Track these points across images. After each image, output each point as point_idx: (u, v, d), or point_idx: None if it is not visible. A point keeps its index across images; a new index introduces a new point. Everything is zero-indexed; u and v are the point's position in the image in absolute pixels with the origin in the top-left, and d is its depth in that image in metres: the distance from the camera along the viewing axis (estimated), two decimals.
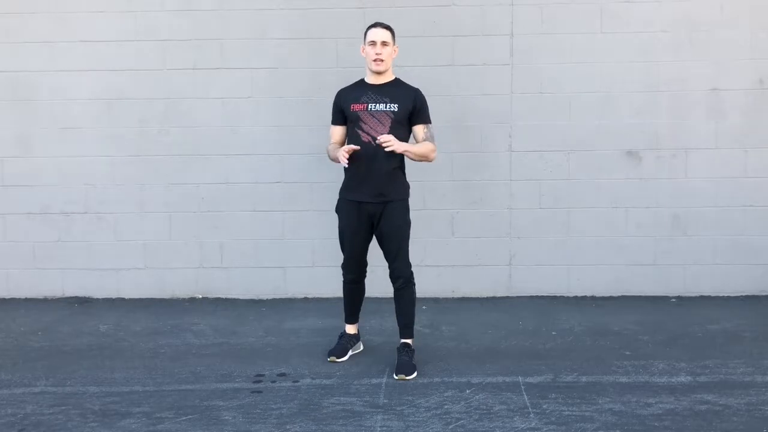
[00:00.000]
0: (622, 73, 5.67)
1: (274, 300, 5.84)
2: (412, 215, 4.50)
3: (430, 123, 4.46)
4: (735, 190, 5.72)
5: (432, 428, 3.65)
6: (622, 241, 5.78)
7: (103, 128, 5.79)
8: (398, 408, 3.88)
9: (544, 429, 3.63)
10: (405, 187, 4.46)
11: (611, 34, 5.66)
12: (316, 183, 5.70)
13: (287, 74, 5.73)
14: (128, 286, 5.88)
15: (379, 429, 3.65)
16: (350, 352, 4.63)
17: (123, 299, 5.87)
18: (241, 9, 5.70)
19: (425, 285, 5.66)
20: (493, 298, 5.81)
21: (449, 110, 5.65)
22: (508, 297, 5.83)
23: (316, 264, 5.82)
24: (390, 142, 4.17)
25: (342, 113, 4.43)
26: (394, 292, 4.46)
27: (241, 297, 5.87)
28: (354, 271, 4.55)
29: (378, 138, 4.20)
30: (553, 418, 3.74)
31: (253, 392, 4.11)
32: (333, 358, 4.52)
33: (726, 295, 5.78)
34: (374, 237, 4.49)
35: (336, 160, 4.37)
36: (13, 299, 5.88)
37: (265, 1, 5.68)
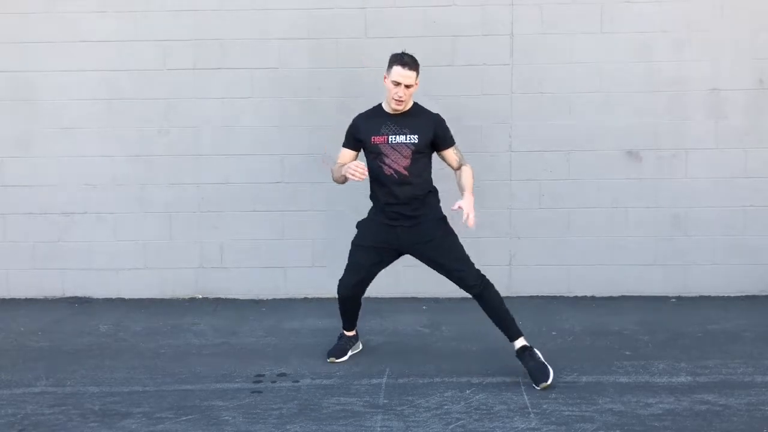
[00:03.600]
0: (622, 73, 5.67)
1: (274, 300, 5.84)
2: None
3: (455, 143, 4.40)
4: (735, 190, 5.72)
5: (432, 428, 3.65)
6: (622, 241, 5.78)
7: (103, 128, 5.79)
8: (398, 408, 3.88)
9: (544, 429, 3.63)
10: (437, 205, 4.39)
11: (611, 34, 5.65)
12: (316, 183, 5.70)
13: (287, 74, 5.73)
14: (128, 286, 5.88)
15: (379, 429, 3.65)
16: (350, 353, 4.62)
17: (123, 299, 5.87)
18: (242, 9, 5.70)
19: (425, 285, 5.66)
20: None
21: (449, 110, 5.60)
22: (508, 297, 5.75)
23: (316, 264, 5.82)
24: (469, 218, 4.10)
25: (359, 142, 4.34)
26: (476, 300, 4.26)
27: (241, 297, 5.87)
28: (353, 290, 4.42)
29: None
30: (553, 418, 3.74)
31: (253, 392, 4.10)
32: (332, 359, 4.52)
33: (726, 295, 5.78)
34: (397, 263, 4.31)
35: (341, 179, 4.30)
36: (13, 299, 5.88)
37: (265, 1, 5.68)
